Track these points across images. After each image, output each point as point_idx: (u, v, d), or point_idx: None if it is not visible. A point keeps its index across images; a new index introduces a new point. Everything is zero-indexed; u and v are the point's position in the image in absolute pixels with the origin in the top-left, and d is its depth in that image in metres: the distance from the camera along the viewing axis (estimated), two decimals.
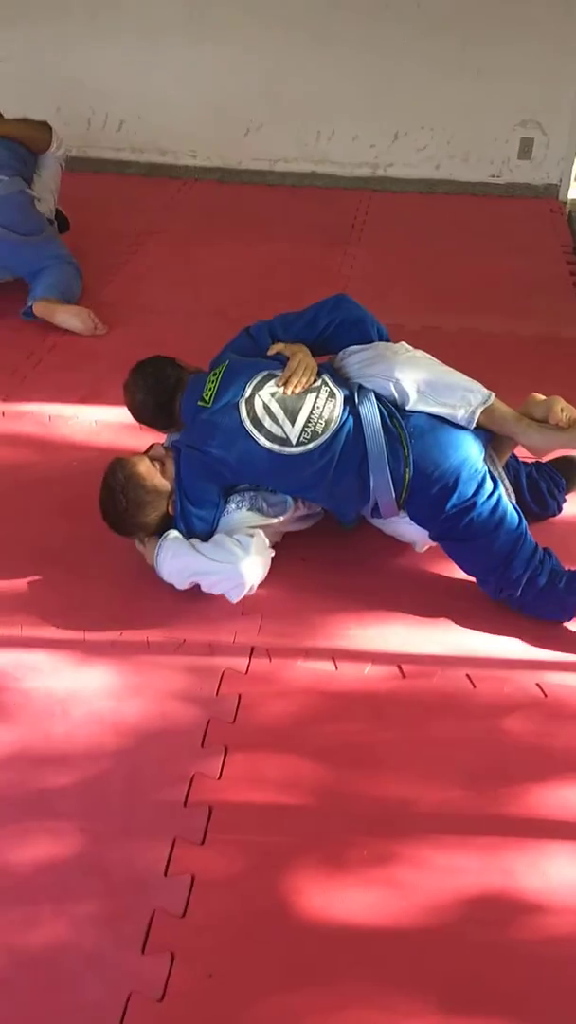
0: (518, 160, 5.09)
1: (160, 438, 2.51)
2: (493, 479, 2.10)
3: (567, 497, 2.45)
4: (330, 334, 2.35)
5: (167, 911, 1.54)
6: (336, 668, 2.02)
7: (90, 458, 2.81)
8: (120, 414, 3.01)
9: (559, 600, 2.10)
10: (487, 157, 5.11)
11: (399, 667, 2.02)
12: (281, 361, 2.26)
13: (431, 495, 2.07)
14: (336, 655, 2.05)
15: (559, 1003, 1.42)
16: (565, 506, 2.45)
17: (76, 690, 1.97)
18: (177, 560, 2.14)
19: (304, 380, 2.16)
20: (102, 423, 3.00)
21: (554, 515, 2.43)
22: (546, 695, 1.95)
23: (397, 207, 4.97)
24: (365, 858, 1.63)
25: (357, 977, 1.46)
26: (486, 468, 2.10)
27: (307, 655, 2.05)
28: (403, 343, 2.28)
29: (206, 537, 2.18)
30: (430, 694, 1.96)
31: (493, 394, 2.16)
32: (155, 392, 2.36)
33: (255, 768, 1.80)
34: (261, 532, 2.17)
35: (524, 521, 2.13)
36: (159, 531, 2.21)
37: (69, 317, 3.58)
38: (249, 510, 2.24)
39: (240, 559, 2.08)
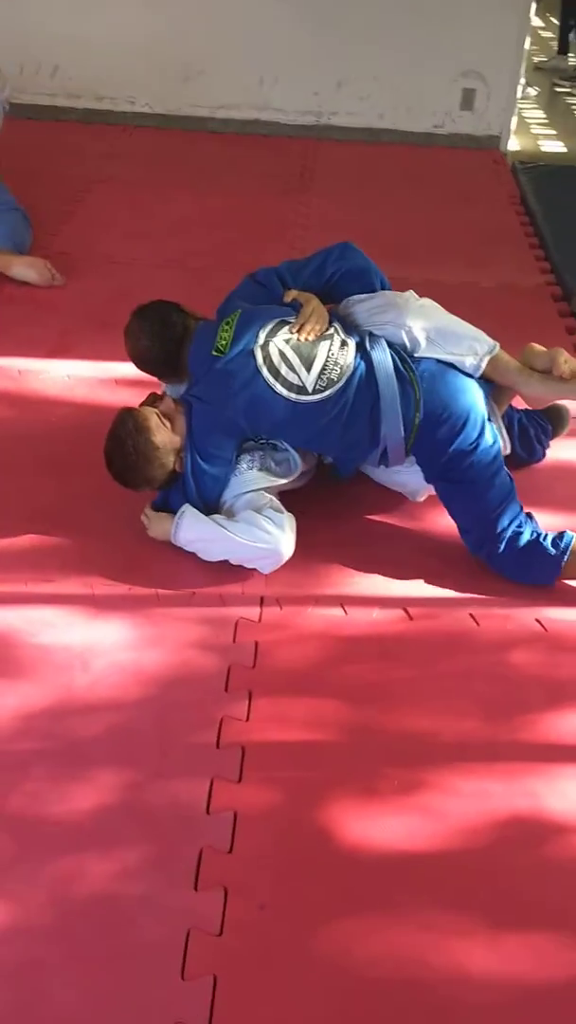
0: (460, 111, 5.14)
1: (141, 392, 2.48)
2: (492, 431, 2.16)
3: (551, 443, 2.55)
4: (336, 282, 2.36)
5: (214, 848, 1.59)
6: (346, 613, 2.08)
7: (69, 414, 2.79)
8: (93, 368, 3.00)
9: (539, 560, 2.12)
10: (430, 108, 5.13)
11: (405, 610, 2.09)
12: (293, 308, 2.26)
13: (438, 436, 2.12)
14: (344, 601, 2.10)
15: None
16: (548, 452, 2.55)
17: (93, 643, 1.98)
18: (207, 541, 2.14)
19: (318, 327, 2.18)
20: (75, 377, 2.96)
21: (539, 460, 2.52)
22: (546, 630, 2.05)
23: (343, 156, 4.96)
24: (396, 788, 1.70)
25: (405, 900, 1.53)
26: (487, 417, 2.16)
27: (316, 602, 2.10)
28: (411, 291, 2.31)
29: (216, 498, 2.18)
30: (437, 634, 2.04)
31: (498, 344, 2.22)
32: (161, 339, 2.31)
33: (280, 709, 1.85)
34: (286, 513, 2.16)
35: (512, 481, 2.18)
36: (163, 486, 2.22)
37: (25, 268, 3.49)
38: (260, 470, 2.24)
39: (278, 540, 2.09)
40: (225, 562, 2.17)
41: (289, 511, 2.19)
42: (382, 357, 2.15)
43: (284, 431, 2.23)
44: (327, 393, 2.13)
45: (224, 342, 2.17)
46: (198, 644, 1.99)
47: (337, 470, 2.35)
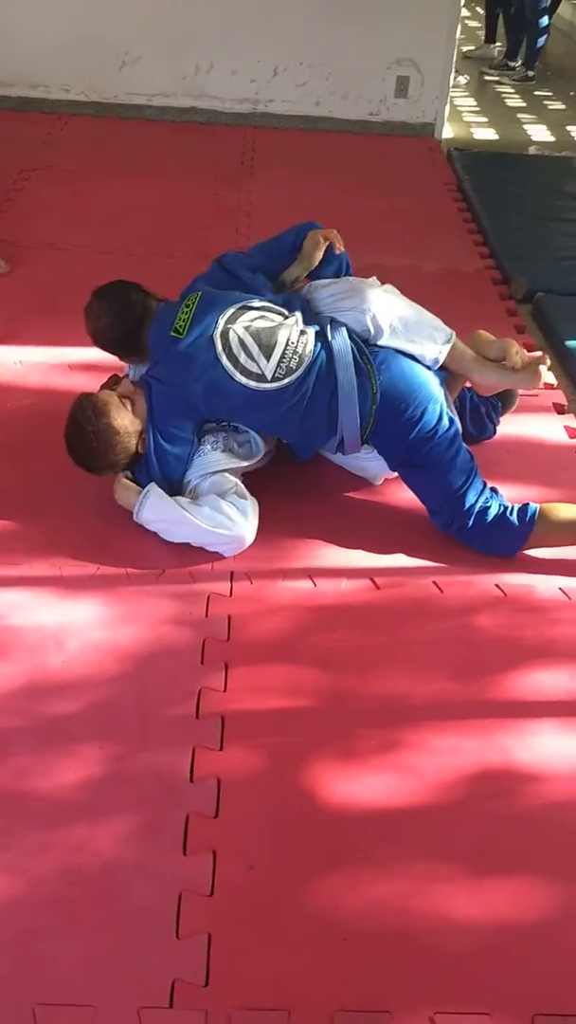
0: (395, 98, 5.22)
1: (96, 376, 2.49)
2: (449, 415, 2.23)
3: (500, 420, 2.63)
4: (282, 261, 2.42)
5: (200, 813, 1.63)
6: (315, 585, 2.12)
7: (23, 400, 2.78)
8: (44, 354, 2.99)
9: (506, 532, 2.17)
10: (365, 95, 5.20)
11: (372, 580, 2.14)
12: (256, 294, 2.30)
13: (396, 425, 2.17)
14: (312, 574, 2.15)
15: (563, 858, 1.60)
16: (498, 428, 2.63)
17: (66, 623, 1.99)
18: (169, 522, 2.15)
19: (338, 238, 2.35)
20: (28, 363, 2.94)
21: (490, 437, 2.60)
22: (506, 594, 2.13)
23: (281, 143, 5.00)
24: (373, 747, 1.76)
25: (387, 854, 1.59)
26: (444, 402, 2.22)
27: (285, 576, 2.14)
28: (374, 277, 2.35)
29: (180, 477, 2.20)
30: (404, 601, 2.10)
31: (454, 333, 2.29)
32: (121, 317, 2.31)
33: (257, 679, 1.89)
34: (250, 498, 2.20)
35: (474, 459, 2.24)
36: (128, 468, 2.23)
37: None
38: (223, 451, 2.27)
39: (241, 527, 2.13)
40: None
41: (254, 489, 2.22)
42: (342, 347, 2.18)
43: (242, 417, 2.26)
44: (286, 381, 2.15)
45: (182, 323, 2.19)
46: (171, 620, 2.01)
47: (295, 453, 2.39)
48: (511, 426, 2.69)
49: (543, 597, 2.12)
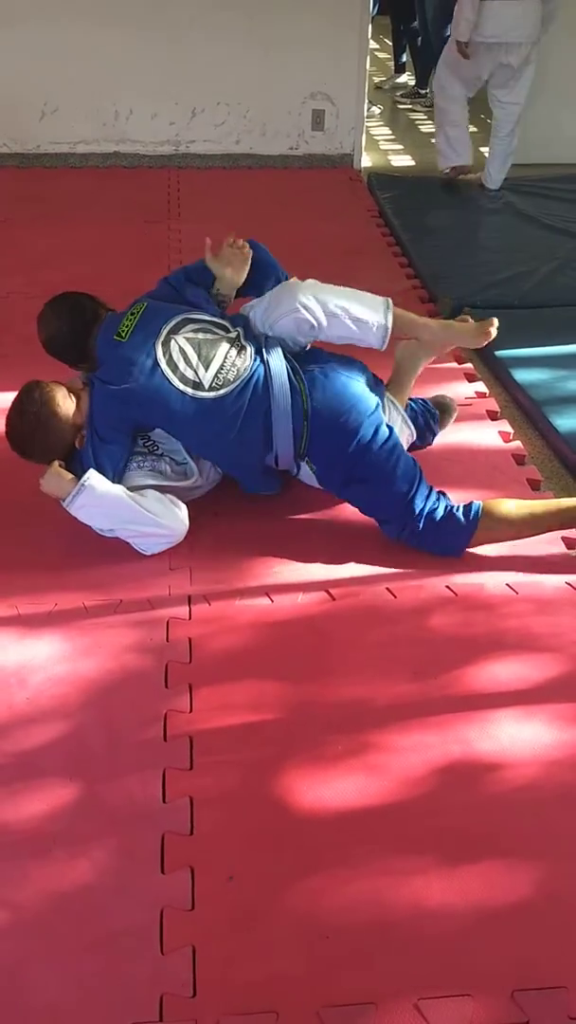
0: (312, 132, 5.37)
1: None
2: (388, 426, 2.29)
3: (438, 431, 2.72)
4: (247, 278, 2.50)
5: (175, 832, 1.65)
6: (272, 601, 2.17)
7: None
8: None
9: (454, 530, 2.24)
10: (283, 130, 5.35)
11: (327, 591, 2.20)
12: (198, 307, 2.39)
13: (332, 441, 2.24)
14: (269, 591, 2.20)
15: (531, 839, 1.66)
16: (437, 437, 2.72)
17: (26, 661, 2.01)
18: (110, 508, 2.19)
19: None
20: None
21: (429, 445, 2.69)
22: (456, 594, 2.20)
23: (206, 182, 5.11)
24: (341, 752, 1.80)
25: (361, 853, 1.63)
26: (381, 414, 2.29)
27: (242, 595, 2.19)
28: (295, 277, 2.44)
29: (111, 477, 2.24)
30: (359, 609, 2.16)
31: (390, 299, 2.38)
32: (71, 321, 2.39)
33: (222, 697, 1.92)
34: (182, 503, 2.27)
35: (418, 464, 2.31)
36: (62, 459, 2.26)
37: None
38: (151, 471, 2.33)
39: (182, 521, 2.21)
40: (147, 567, 2.24)
41: (205, 511, 2.28)
42: (278, 365, 2.26)
43: (178, 427, 2.30)
44: (222, 392, 2.22)
45: (125, 329, 2.27)
46: (133, 648, 2.04)
47: (247, 487, 2.43)
48: (450, 435, 2.79)
49: (492, 593, 2.19)
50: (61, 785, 1.74)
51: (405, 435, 2.49)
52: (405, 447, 2.44)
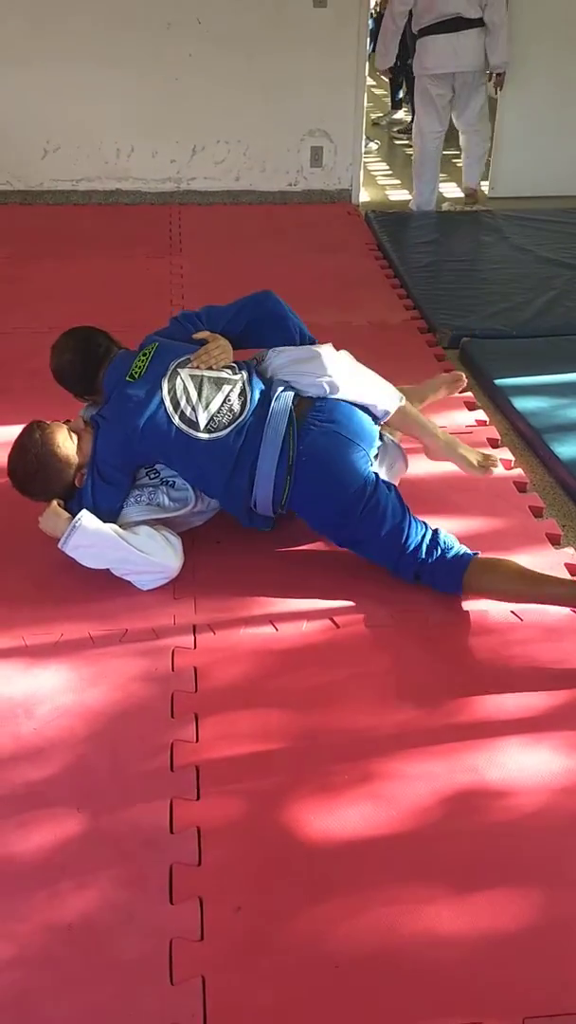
0: (311, 168, 5.46)
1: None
2: (377, 479, 2.27)
3: None
4: (254, 329, 2.51)
5: (183, 863, 1.65)
6: (276, 630, 2.18)
7: None
8: None
9: (458, 567, 2.19)
10: (283, 167, 5.44)
11: (331, 619, 2.21)
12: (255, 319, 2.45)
13: (313, 505, 2.28)
14: (273, 619, 2.21)
15: (541, 865, 1.65)
16: (441, 467, 2.73)
17: (33, 692, 2.01)
18: (100, 547, 2.22)
19: (214, 360, 2.30)
20: None
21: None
22: (460, 622, 2.20)
23: (206, 218, 5.19)
24: (348, 781, 1.80)
25: (370, 882, 1.62)
26: (369, 473, 2.26)
27: (247, 624, 2.20)
28: (330, 344, 2.46)
29: (110, 513, 2.27)
30: (364, 637, 2.16)
31: (404, 397, 2.44)
32: (84, 354, 2.45)
33: (228, 727, 1.92)
34: (177, 536, 2.31)
35: (406, 507, 2.26)
36: (62, 497, 2.29)
37: None
38: (148, 504, 2.35)
39: (174, 557, 2.24)
40: (151, 596, 2.26)
41: (207, 541, 2.30)
42: (279, 415, 2.26)
43: (175, 460, 2.33)
44: (215, 435, 2.25)
45: (138, 370, 2.31)
46: (138, 677, 2.05)
47: (244, 522, 2.42)
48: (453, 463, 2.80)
49: (496, 620, 2.20)
50: (68, 816, 1.73)
51: (399, 468, 2.52)
52: (398, 479, 2.47)
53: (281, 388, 2.35)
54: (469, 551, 2.24)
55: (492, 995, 1.44)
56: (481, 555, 2.24)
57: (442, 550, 2.22)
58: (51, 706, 1.98)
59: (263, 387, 2.35)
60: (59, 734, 1.91)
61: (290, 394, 2.34)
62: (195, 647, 2.13)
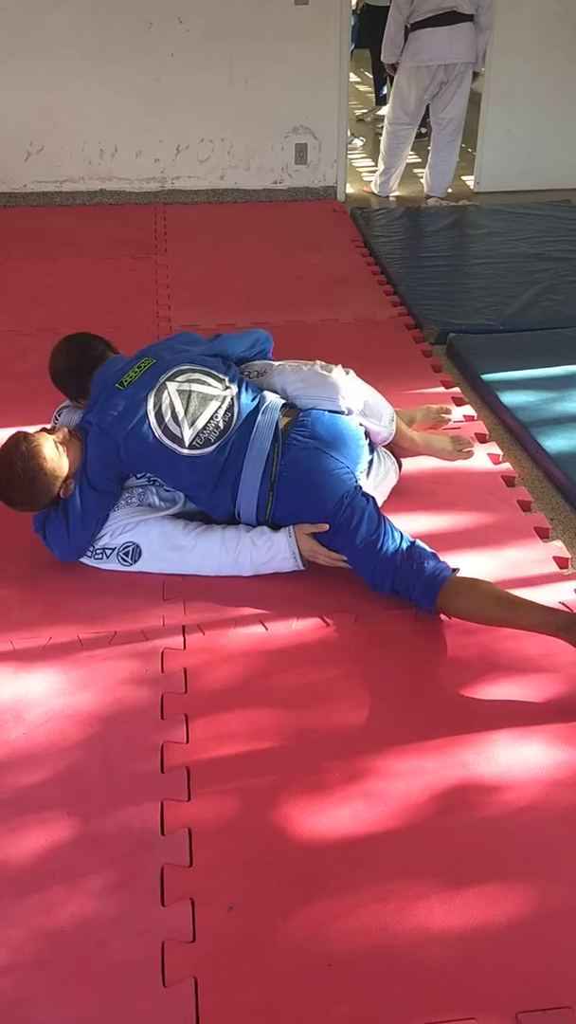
0: (296, 165, 5.46)
1: None
2: (354, 489, 2.26)
3: None
4: (251, 357, 2.60)
5: (174, 864, 1.64)
6: (266, 629, 2.17)
7: None
8: None
9: (433, 585, 2.12)
10: (267, 164, 5.43)
11: (321, 618, 2.20)
12: (217, 356, 2.46)
13: (295, 518, 2.28)
14: (263, 619, 2.20)
15: (533, 859, 1.66)
16: (427, 461, 2.74)
17: (22, 696, 2.01)
18: (232, 563, 2.28)
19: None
20: None
21: None
22: (449, 618, 2.20)
23: (191, 217, 5.18)
24: (339, 779, 1.80)
25: (363, 879, 1.62)
26: (348, 487, 2.25)
27: (236, 624, 2.19)
28: (339, 366, 2.50)
29: (97, 522, 2.28)
30: (354, 635, 2.16)
31: (393, 411, 2.54)
32: (80, 355, 2.50)
33: (218, 727, 1.92)
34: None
35: (383, 517, 2.23)
36: (44, 508, 2.29)
37: None
38: (139, 505, 2.36)
39: (281, 533, 2.27)
40: (142, 598, 2.27)
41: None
42: (265, 432, 2.28)
43: (158, 474, 2.35)
44: (200, 452, 2.26)
45: (128, 379, 2.32)
46: (128, 679, 2.04)
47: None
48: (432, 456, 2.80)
49: None
50: (59, 820, 1.73)
51: (391, 480, 2.56)
52: (389, 488, 2.53)
53: (269, 400, 2.36)
54: (448, 568, 2.15)
55: (486, 990, 1.44)
56: (459, 574, 2.15)
57: (418, 563, 2.15)
58: (40, 710, 1.97)
59: (251, 400, 2.35)
60: (49, 738, 1.90)
61: (278, 405, 2.36)
62: (185, 648, 2.13)
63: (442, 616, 2.18)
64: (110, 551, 2.32)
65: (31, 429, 2.36)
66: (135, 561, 2.31)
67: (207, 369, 2.38)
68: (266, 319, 3.80)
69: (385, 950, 1.51)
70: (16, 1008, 1.43)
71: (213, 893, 1.60)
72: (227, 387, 2.35)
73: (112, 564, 2.32)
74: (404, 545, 2.20)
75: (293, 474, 2.26)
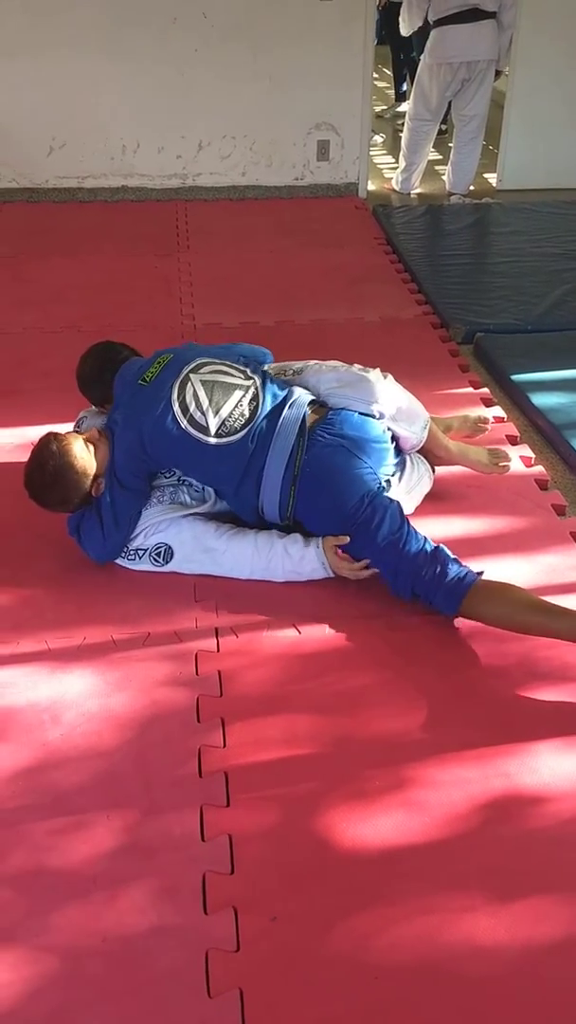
0: (317, 162, 5.42)
1: None
2: (377, 490, 2.25)
3: None
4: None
5: (216, 871, 1.63)
6: (300, 633, 2.15)
7: None
8: (10, 435, 3.00)
9: (458, 590, 2.08)
10: (289, 161, 5.39)
11: (356, 622, 2.18)
12: (245, 356, 2.46)
13: (318, 516, 2.27)
14: (296, 622, 2.18)
15: None
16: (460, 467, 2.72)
17: (58, 697, 1.99)
18: (264, 568, 2.27)
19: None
20: None
21: None
22: (487, 625, 2.17)
23: (213, 214, 5.15)
24: (379, 787, 1.78)
25: (407, 890, 1.60)
26: (370, 487, 2.24)
27: (269, 627, 2.17)
28: (378, 369, 2.48)
29: (130, 521, 2.27)
30: (390, 641, 2.14)
31: (428, 418, 2.51)
32: (103, 360, 2.52)
33: (255, 732, 1.90)
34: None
35: (405, 520, 2.21)
36: (77, 509, 2.30)
37: None
38: (171, 504, 2.35)
39: (311, 545, 2.25)
40: (174, 599, 2.26)
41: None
42: (290, 425, 2.27)
43: (184, 465, 2.34)
44: (226, 440, 2.25)
45: (151, 375, 2.32)
46: (163, 682, 2.02)
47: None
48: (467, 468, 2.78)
49: None
50: (98, 824, 1.71)
51: (425, 485, 2.55)
52: (422, 494, 2.52)
53: (297, 396, 2.34)
54: (473, 573, 2.10)
55: (533, 1007, 1.42)
56: (485, 578, 2.10)
57: (441, 566, 2.10)
58: (77, 712, 1.95)
59: (276, 393, 2.34)
60: (86, 741, 1.89)
61: (306, 401, 2.34)
62: (218, 650, 2.11)
63: (477, 623, 2.14)
64: (143, 552, 2.30)
65: (61, 429, 2.36)
66: (167, 562, 2.30)
67: (228, 362, 2.39)
68: (290, 317, 3.78)
69: (431, 964, 1.49)
70: (60, 1017, 1.41)
71: (256, 901, 1.58)
72: (249, 377, 2.35)
73: (144, 564, 2.31)
74: (428, 548, 2.17)
75: (316, 470, 2.25)
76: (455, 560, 2.15)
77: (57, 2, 4.86)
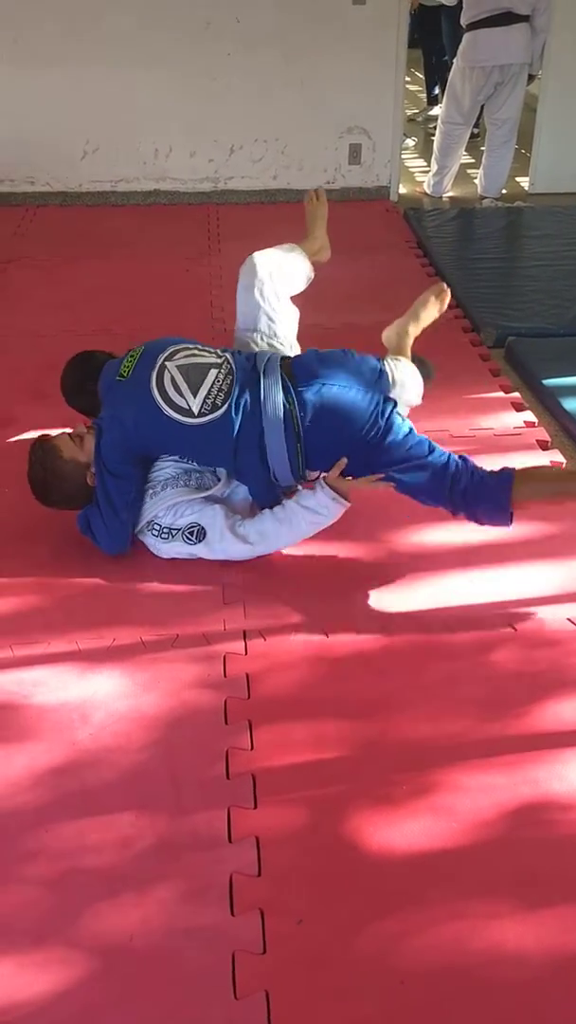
0: (349, 165, 5.42)
1: None
2: (382, 402, 2.33)
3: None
4: None
5: (243, 873, 1.63)
6: (327, 637, 2.16)
7: (26, 486, 2.81)
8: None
9: (495, 494, 2.23)
10: (320, 165, 5.40)
11: (384, 626, 2.18)
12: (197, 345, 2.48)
13: (331, 459, 2.30)
14: (324, 626, 2.18)
15: None
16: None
17: (88, 697, 2.01)
18: (289, 531, 2.32)
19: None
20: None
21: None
22: (516, 630, 2.17)
23: (244, 217, 5.17)
24: (406, 792, 1.78)
25: (434, 896, 1.60)
26: (378, 413, 2.30)
27: (297, 630, 2.18)
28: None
29: (126, 505, 2.32)
30: (418, 645, 2.14)
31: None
32: (82, 370, 2.58)
33: (282, 734, 1.91)
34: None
35: (424, 440, 2.31)
36: (84, 503, 2.36)
37: None
38: (196, 487, 2.41)
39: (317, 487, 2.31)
40: (202, 601, 2.27)
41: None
42: (273, 386, 2.31)
43: (176, 450, 2.41)
44: (210, 417, 2.28)
45: (126, 369, 2.37)
46: (191, 683, 2.04)
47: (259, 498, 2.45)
48: (503, 464, 2.76)
49: (553, 629, 2.16)
50: (126, 823, 1.73)
51: (415, 391, 2.59)
52: (417, 399, 2.59)
53: (266, 359, 2.40)
54: (507, 469, 2.27)
55: (560, 1014, 1.41)
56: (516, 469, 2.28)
57: (475, 467, 2.26)
58: (106, 712, 1.97)
59: (245, 363, 2.39)
60: (115, 741, 1.90)
61: (276, 359, 2.40)
62: (246, 653, 2.12)
63: (508, 624, 2.14)
64: (176, 531, 2.34)
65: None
66: (199, 541, 2.32)
67: (198, 345, 2.46)
68: (320, 320, 3.77)
69: (459, 969, 1.48)
70: (86, 1017, 1.42)
71: (282, 904, 1.59)
72: (220, 356, 2.41)
73: (177, 543, 2.34)
74: (454, 457, 2.27)
75: (314, 417, 2.29)
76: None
77: (90, 10, 4.91)
